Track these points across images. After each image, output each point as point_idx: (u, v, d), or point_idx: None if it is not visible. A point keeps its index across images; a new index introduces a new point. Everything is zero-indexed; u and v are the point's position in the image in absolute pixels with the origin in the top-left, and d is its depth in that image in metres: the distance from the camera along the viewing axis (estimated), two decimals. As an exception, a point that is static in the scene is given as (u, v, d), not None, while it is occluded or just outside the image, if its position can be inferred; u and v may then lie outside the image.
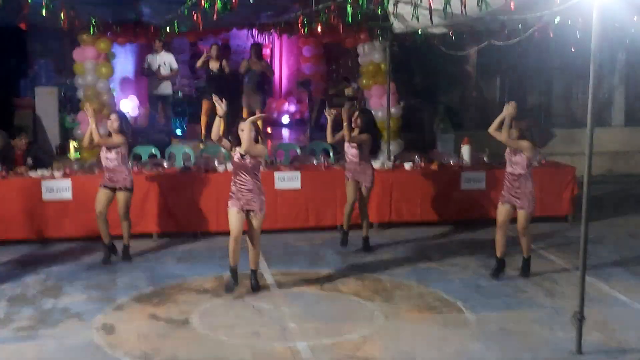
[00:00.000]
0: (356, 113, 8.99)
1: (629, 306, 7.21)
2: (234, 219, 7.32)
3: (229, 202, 7.36)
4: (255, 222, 7.39)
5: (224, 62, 13.59)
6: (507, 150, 7.83)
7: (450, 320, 6.79)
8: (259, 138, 7.41)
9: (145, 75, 14.01)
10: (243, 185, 7.30)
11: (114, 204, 8.58)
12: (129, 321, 6.81)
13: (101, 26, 11.16)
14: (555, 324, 6.63)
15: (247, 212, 7.35)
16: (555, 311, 6.95)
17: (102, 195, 8.52)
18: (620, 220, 10.79)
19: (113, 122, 8.41)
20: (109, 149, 8.43)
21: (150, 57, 13.82)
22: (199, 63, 13.81)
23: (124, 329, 6.62)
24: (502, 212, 7.88)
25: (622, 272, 8.26)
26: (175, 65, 13.99)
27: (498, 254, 7.97)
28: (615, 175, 13.95)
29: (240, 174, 7.30)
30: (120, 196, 8.52)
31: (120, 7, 10.10)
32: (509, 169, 7.82)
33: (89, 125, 8.44)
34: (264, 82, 14.50)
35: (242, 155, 7.25)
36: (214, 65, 13.52)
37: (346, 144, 8.97)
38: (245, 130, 7.17)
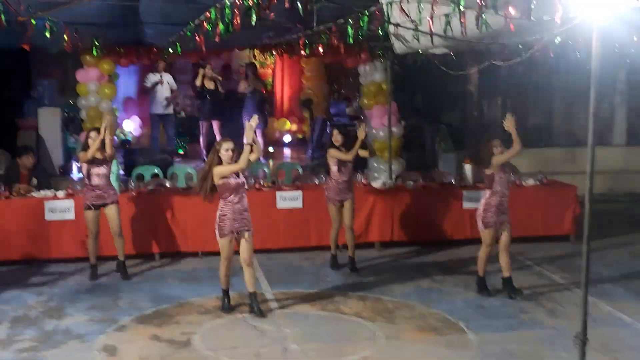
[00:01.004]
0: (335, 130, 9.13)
1: (631, 326, 7.19)
2: (228, 245, 7.34)
3: (220, 229, 7.31)
4: (250, 240, 7.37)
5: (218, 81, 13.64)
6: (504, 172, 7.88)
7: (452, 341, 6.78)
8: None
9: (146, 94, 14.07)
10: (240, 205, 7.29)
11: (105, 224, 8.71)
12: (130, 342, 6.80)
13: (104, 48, 11.23)
14: (557, 344, 6.61)
15: (239, 233, 7.32)
16: (558, 332, 6.94)
17: (92, 216, 8.61)
18: (623, 239, 10.77)
19: (95, 140, 8.42)
20: (100, 164, 8.47)
21: (151, 76, 13.91)
22: (198, 82, 13.85)
23: (125, 350, 6.62)
24: (494, 236, 7.96)
25: (625, 292, 8.25)
26: (174, 86, 14.06)
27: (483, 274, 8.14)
28: (617, 195, 13.93)
29: (237, 194, 7.25)
30: (113, 210, 8.63)
31: (123, 28, 10.16)
32: (503, 190, 7.86)
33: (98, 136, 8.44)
34: (264, 101, 14.56)
35: (237, 175, 7.24)
36: (209, 85, 13.57)
37: (339, 165, 8.94)
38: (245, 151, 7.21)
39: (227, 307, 7.55)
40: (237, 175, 7.23)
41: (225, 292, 7.59)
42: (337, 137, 8.96)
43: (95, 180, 8.51)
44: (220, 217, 7.30)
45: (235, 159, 7.18)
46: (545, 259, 9.49)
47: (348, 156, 8.82)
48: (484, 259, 8.03)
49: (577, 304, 6.33)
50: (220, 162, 7.18)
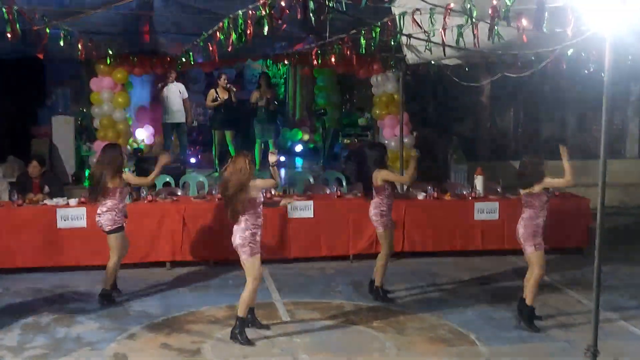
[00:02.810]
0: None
1: (643, 339, 7.15)
2: (260, 263, 6.93)
3: (252, 248, 6.82)
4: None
5: (232, 92, 13.69)
6: (545, 194, 7.32)
7: (462, 353, 6.75)
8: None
9: (159, 101, 14.17)
10: (259, 224, 6.91)
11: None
12: (141, 350, 6.81)
13: (118, 57, 11.29)
14: (569, 357, 6.59)
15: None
16: (569, 344, 6.90)
17: (123, 236, 8.21)
18: (634, 252, 10.68)
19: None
20: (127, 185, 8.33)
21: (160, 85, 14.03)
22: (208, 103, 13.89)
23: (136, 358, 6.63)
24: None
25: (637, 305, 8.20)
26: (186, 95, 14.14)
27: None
28: (629, 207, 13.86)
29: (258, 212, 6.87)
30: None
31: (137, 38, 10.22)
32: (545, 211, 7.30)
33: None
34: (275, 111, 14.59)
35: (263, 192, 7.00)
36: (222, 95, 13.61)
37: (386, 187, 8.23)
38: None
39: (248, 341, 6.93)
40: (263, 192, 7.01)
41: (245, 323, 7.03)
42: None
43: (125, 201, 8.34)
44: (252, 235, 6.80)
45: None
46: (557, 272, 9.43)
47: (405, 178, 8.44)
48: (535, 284, 7.31)
49: (588, 316, 6.31)
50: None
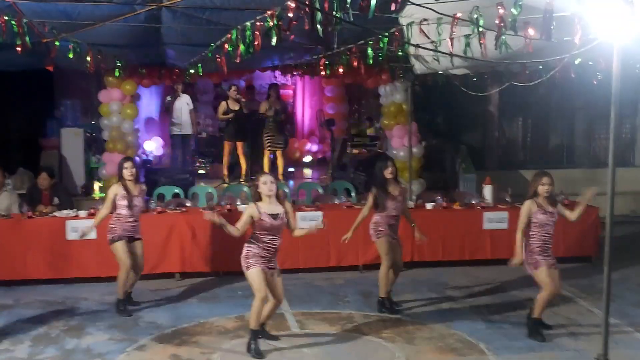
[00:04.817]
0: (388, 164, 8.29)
1: (654, 349, 7.11)
2: (261, 278, 6.71)
3: (248, 262, 6.76)
4: (280, 279, 6.98)
5: (242, 102, 13.74)
6: (543, 214, 7.33)
7: (472, 363, 6.74)
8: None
9: (166, 112, 14.26)
10: (273, 245, 6.82)
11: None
12: (150, 361, 6.82)
13: (127, 68, 11.35)
14: (579, 366, 6.56)
15: (268, 270, 6.85)
16: (579, 353, 6.87)
17: (125, 247, 8.16)
18: (645, 261, 10.67)
19: (130, 169, 8.20)
20: (137, 195, 8.30)
21: (169, 97, 14.09)
22: (220, 115, 13.92)
23: (145, 369, 6.64)
24: (549, 274, 7.24)
25: (647, 314, 8.17)
26: (192, 106, 14.20)
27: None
28: (639, 216, 13.80)
29: (271, 234, 6.79)
30: (141, 244, 8.39)
31: (145, 50, 10.27)
32: (547, 231, 7.30)
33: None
34: (285, 122, 14.63)
35: (273, 216, 6.77)
36: (233, 106, 13.66)
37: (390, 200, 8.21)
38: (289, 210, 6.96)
39: (259, 353, 6.80)
40: (275, 216, 6.77)
41: (256, 335, 6.91)
42: (392, 170, 8.19)
43: (133, 212, 8.22)
44: (246, 253, 6.81)
45: (274, 192, 6.82)
46: (567, 281, 9.38)
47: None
48: (540, 300, 7.28)
49: (598, 325, 6.28)
50: (259, 197, 6.83)
